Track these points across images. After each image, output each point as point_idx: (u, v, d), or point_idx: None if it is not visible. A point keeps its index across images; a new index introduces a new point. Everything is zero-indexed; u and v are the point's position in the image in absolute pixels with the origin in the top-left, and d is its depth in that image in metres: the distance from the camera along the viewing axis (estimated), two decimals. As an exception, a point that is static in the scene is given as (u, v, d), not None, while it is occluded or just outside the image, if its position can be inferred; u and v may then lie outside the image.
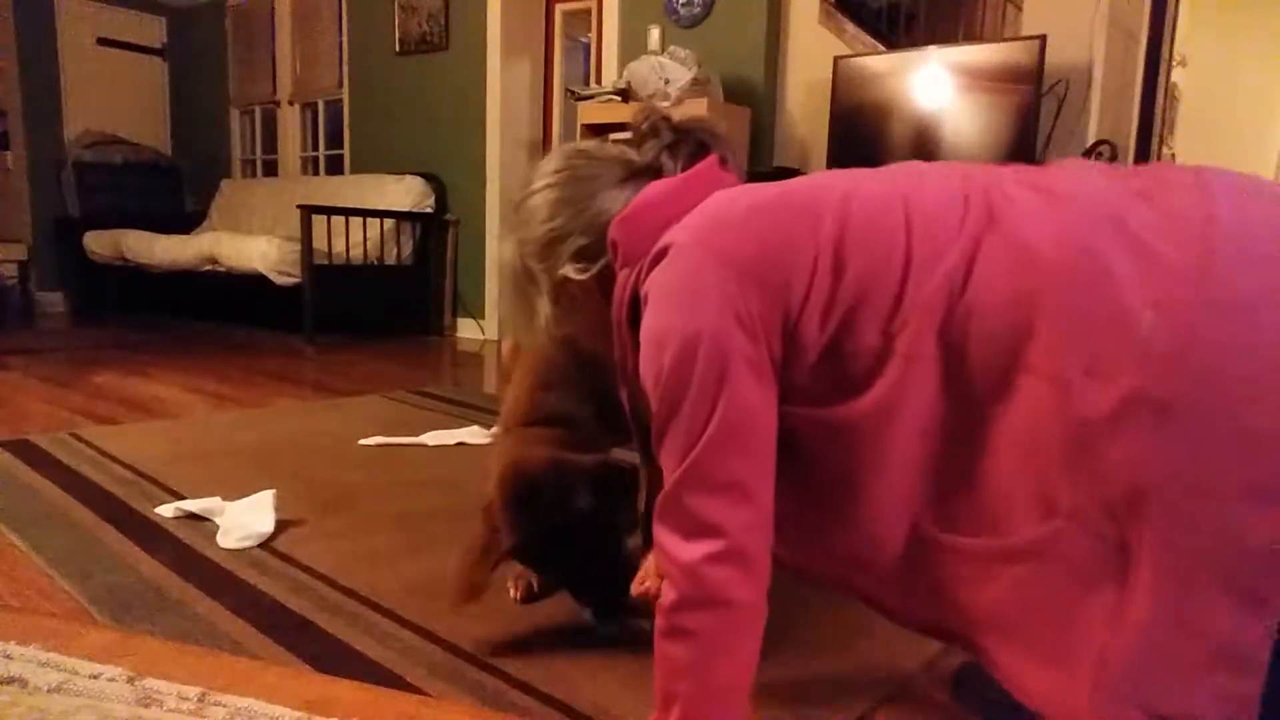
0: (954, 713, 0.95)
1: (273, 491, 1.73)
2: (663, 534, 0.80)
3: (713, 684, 0.80)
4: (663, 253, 0.83)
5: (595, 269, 0.93)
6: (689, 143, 0.95)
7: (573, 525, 1.18)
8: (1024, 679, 0.74)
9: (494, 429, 1.44)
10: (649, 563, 1.17)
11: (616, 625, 1.22)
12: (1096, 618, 0.68)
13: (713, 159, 0.93)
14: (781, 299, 0.78)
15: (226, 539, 1.56)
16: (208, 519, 1.66)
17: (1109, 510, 0.67)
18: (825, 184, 0.84)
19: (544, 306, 0.97)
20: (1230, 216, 0.66)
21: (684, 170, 0.93)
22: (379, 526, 1.68)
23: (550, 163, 0.98)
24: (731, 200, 0.85)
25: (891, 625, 1.28)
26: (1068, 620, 0.70)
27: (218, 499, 1.71)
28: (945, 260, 0.74)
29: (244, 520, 1.62)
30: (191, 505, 1.70)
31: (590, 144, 1.01)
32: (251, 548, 1.54)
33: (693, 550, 0.77)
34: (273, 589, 1.37)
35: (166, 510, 1.69)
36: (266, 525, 1.61)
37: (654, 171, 0.94)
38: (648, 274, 0.85)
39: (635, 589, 1.18)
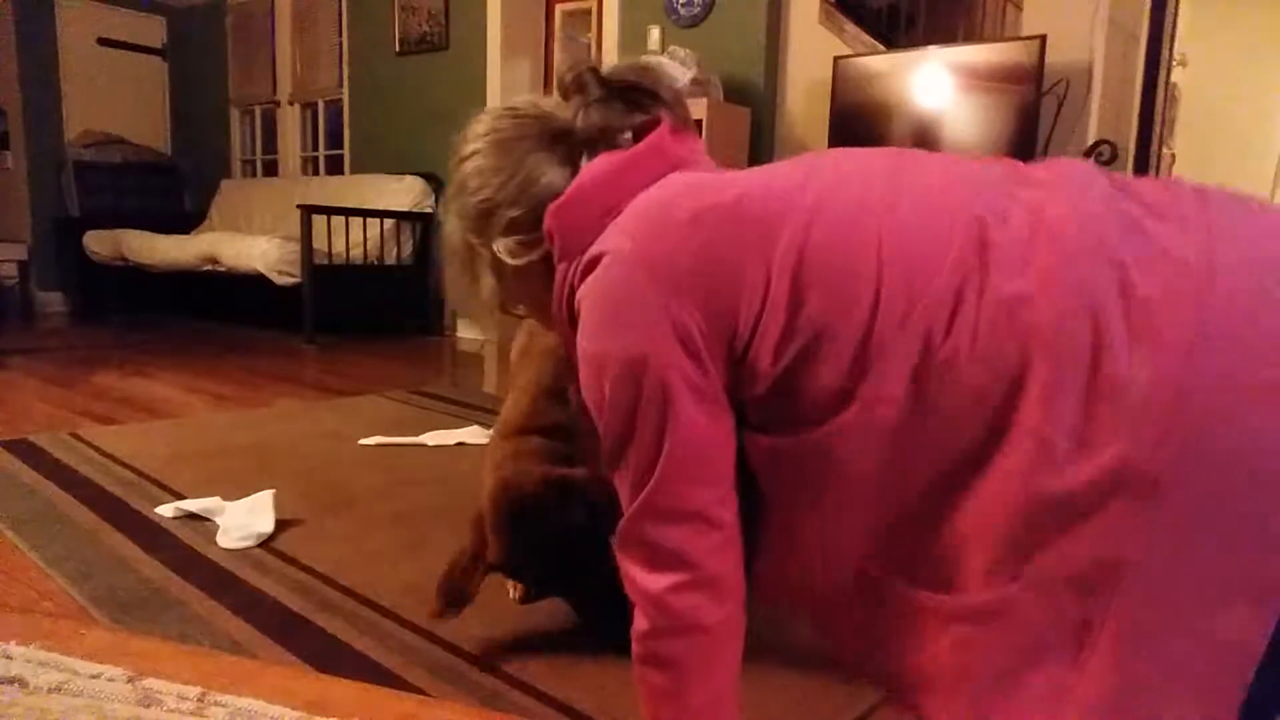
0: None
1: (272, 491, 1.73)
2: (626, 564, 0.77)
3: (694, 706, 0.77)
4: (596, 260, 0.77)
5: (529, 245, 0.85)
6: (623, 100, 0.85)
7: (564, 544, 1.16)
8: None
9: (493, 430, 1.43)
10: None
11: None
12: (1039, 693, 0.64)
13: (663, 129, 0.83)
14: (727, 323, 0.72)
15: (226, 539, 1.56)
16: (208, 519, 1.66)
17: (1078, 582, 0.62)
18: (789, 190, 0.74)
19: (487, 280, 0.91)
20: (1232, 266, 0.61)
21: (629, 131, 0.84)
22: (378, 526, 1.68)
23: (479, 124, 0.90)
24: (676, 200, 0.76)
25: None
26: (1009, 691, 0.65)
27: (218, 499, 1.71)
28: (921, 307, 0.66)
29: (244, 520, 1.62)
30: (191, 505, 1.70)
31: (520, 100, 0.91)
32: (251, 548, 1.54)
33: (658, 581, 0.74)
34: (273, 589, 1.37)
35: (166, 510, 1.70)
36: (266, 525, 1.61)
37: (579, 134, 0.85)
38: (581, 279, 0.78)
39: None
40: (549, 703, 1.06)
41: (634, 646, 0.79)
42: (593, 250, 0.78)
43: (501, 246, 0.86)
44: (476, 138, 0.88)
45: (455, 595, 1.16)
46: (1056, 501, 0.62)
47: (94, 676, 1.03)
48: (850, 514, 0.72)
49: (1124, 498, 0.59)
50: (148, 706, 0.97)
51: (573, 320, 0.81)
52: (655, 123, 0.84)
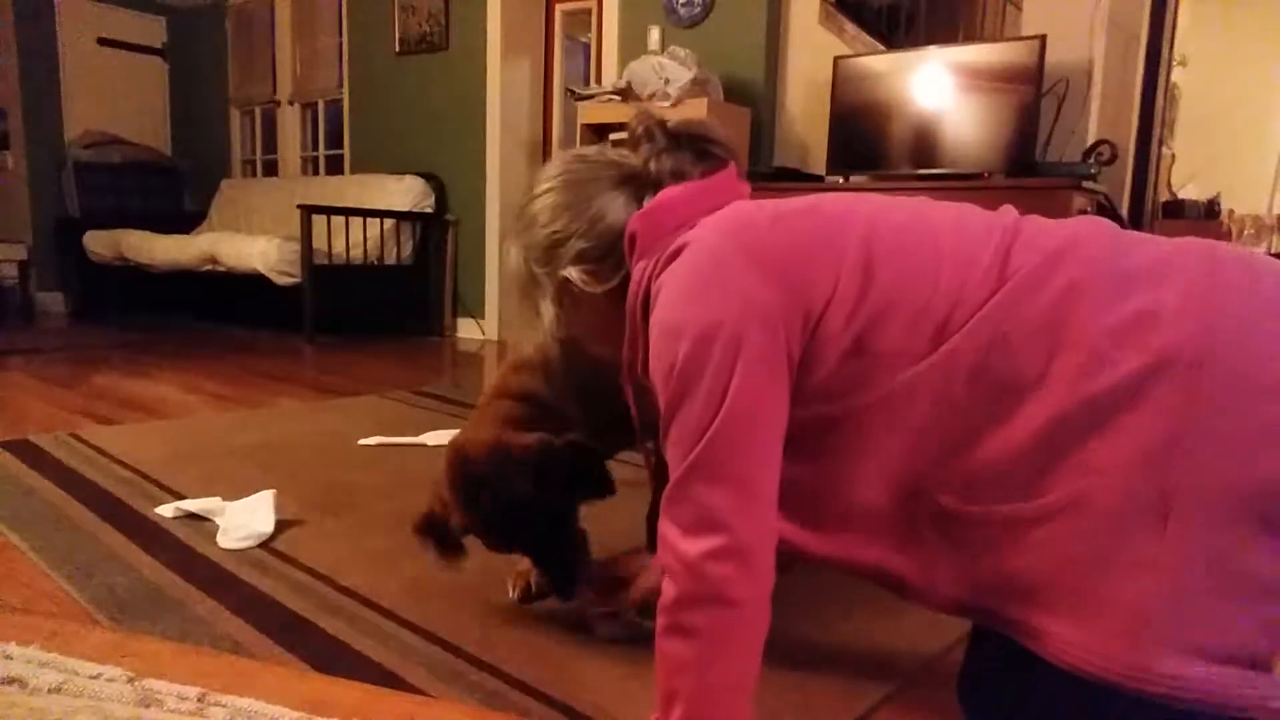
0: (955, 713, 0.95)
1: (273, 492, 1.73)
2: (666, 527, 0.81)
3: (713, 682, 0.79)
4: (680, 249, 0.84)
5: (595, 275, 0.95)
6: (685, 149, 0.95)
7: (507, 509, 1.16)
8: (1060, 637, 0.73)
9: None
10: (649, 561, 1.17)
11: (617, 626, 1.22)
12: (1133, 566, 0.69)
13: (732, 169, 0.96)
14: (804, 299, 0.79)
15: (226, 539, 1.56)
16: (208, 519, 1.66)
17: (1143, 462, 0.69)
18: (850, 203, 0.87)
19: (548, 309, 0.99)
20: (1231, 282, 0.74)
21: (698, 174, 0.95)
22: (379, 526, 1.68)
23: (550, 168, 1.00)
24: (758, 206, 0.87)
25: (891, 626, 1.28)
26: (1103, 572, 0.71)
27: (218, 499, 1.71)
28: (980, 270, 0.78)
29: (244, 520, 1.62)
30: (191, 505, 1.70)
31: (589, 149, 1.03)
32: (251, 548, 1.54)
33: (695, 545, 0.78)
34: (273, 589, 1.37)
35: (166, 510, 1.69)
36: (266, 525, 1.61)
37: (650, 176, 0.96)
38: (663, 269, 0.86)
39: (634, 593, 1.18)
40: (549, 703, 1.06)
41: (659, 619, 0.81)
42: (676, 244, 0.85)
43: (572, 274, 0.95)
44: (549, 178, 0.98)
45: (437, 534, 1.24)
46: (1113, 395, 0.71)
47: (94, 676, 1.03)
48: (919, 455, 0.79)
49: (1174, 373, 0.69)
50: (148, 706, 0.97)
51: (645, 314, 0.88)
52: (720, 167, 0.96)
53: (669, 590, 0.80)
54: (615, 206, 0.94)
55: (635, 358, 0.93)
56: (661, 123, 0.96)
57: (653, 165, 0.95)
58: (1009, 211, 0.85)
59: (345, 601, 1.34)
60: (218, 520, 1.64)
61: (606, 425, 1.18)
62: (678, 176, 0.94)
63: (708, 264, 0.81)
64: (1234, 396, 0.68)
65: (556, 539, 1.19)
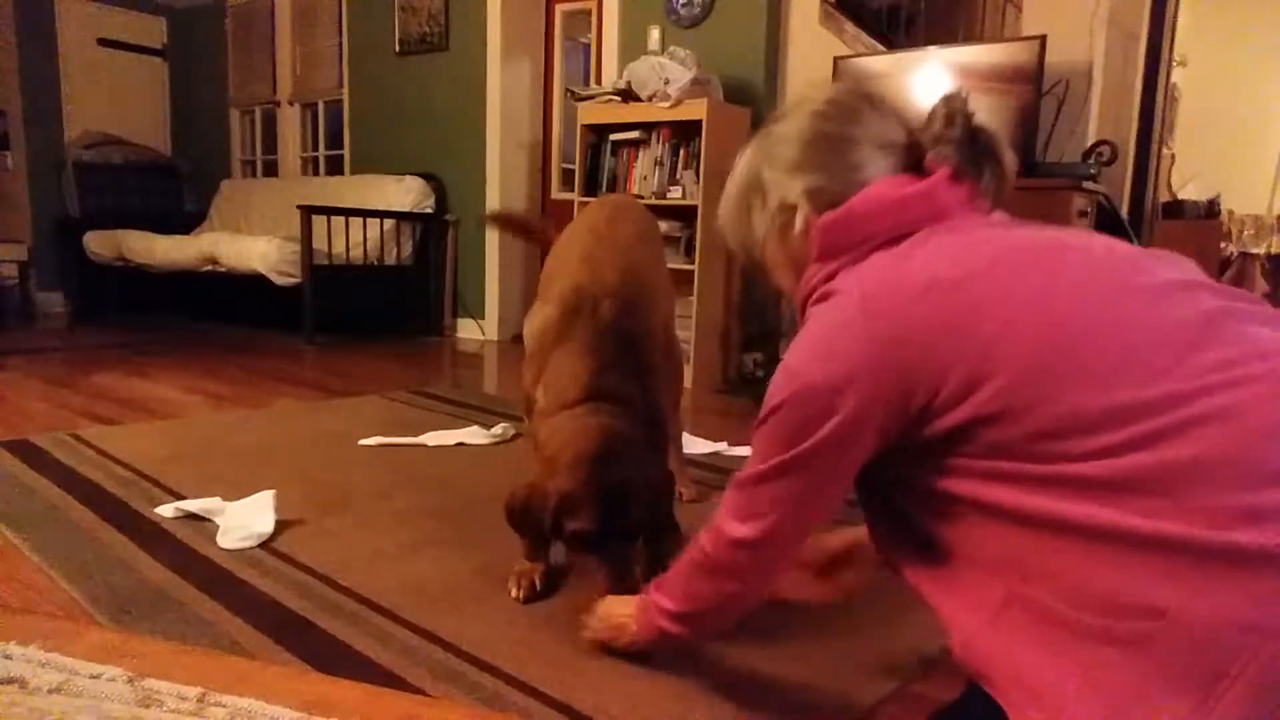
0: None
1: (273, 492, 1.73)
2: (725, 501, 0.93)
3: (697, 597, 0.99)
4: (828, 295, 0.86)
5: (817, 214, 0.91)
6: (969, 148, 0.90)
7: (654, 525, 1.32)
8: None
9: (529, 419, 1.48)
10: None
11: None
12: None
13: (943, 174, 0.88)
14: (914, 388, 0.78)
15: (226, 539, 1.56)
16: (208, 519, 1.66)
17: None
18: (1002, 279, 0.78)
19: (761, 223, 0.98)
20: None
21: (952, 171, 0.89)
22: (379, 526, 1.68)
23: (830, 92, 0.97)
24: (919, 264, 0.82)
25: (891, 627, 1.28)
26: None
27: (218, 499, 1.71)
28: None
29: (244, 520, 1.62)
30: (191, 505, 1.70)
31: (877, 93, 0.98)
32: (251, 548, 1.54)
33: (736, 530, 0.91)
34: (273, 589, 1.37)
35: (166, 510, 1.69)
36: (266, 525, 1.61)
37: (921, 159, 0.91)
38: (813, 297, 0.89)
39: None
40: (549, 703, 1.06)
41: (693, 549, 0.98)
42: (830, 285, 0.87)
43: (801, 202, 0.93)
44: (823, 102, 0.95)
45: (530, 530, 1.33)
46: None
47: (94, 676, 1.03)
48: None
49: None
50: (148, 707, 0.97)
51: (801, 308, 0.93)
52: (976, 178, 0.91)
53: (705, 541, 0.96)
54: (876, 168, 0.91)
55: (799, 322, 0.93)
56: (969, 116, 0.91)
57: (931, 151, 0.91)
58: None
59: (345, 601, 1.34)
60: (217, 520, 1.64)
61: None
62: (934, 164, 0.91)
63: (837, 327, 0.83)
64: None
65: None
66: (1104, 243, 0.81)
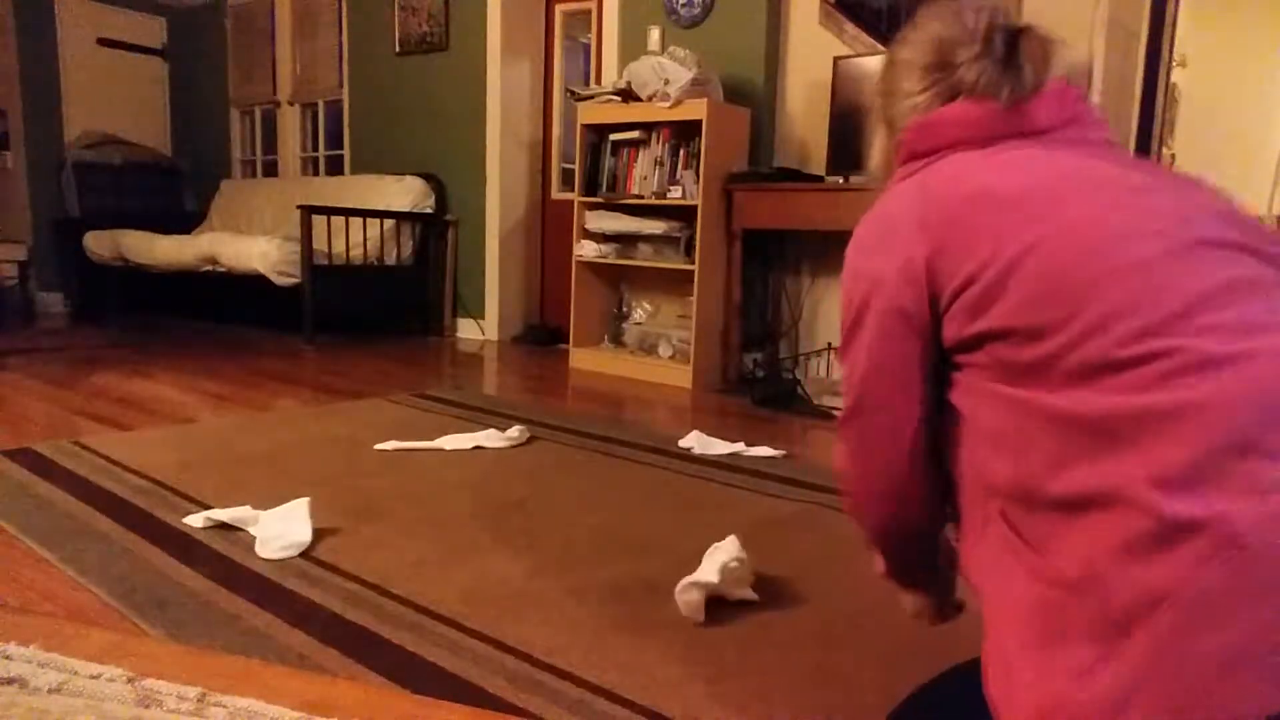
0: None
1: (307, 500, 1.69)
2: (839, 437, 0.96)
3: (882, 545, 0.97)
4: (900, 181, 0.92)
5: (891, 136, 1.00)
6: (1014, 69, 0.95)
7: None
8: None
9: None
10: None
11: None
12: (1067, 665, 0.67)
13: (992, 105, 0.92)
14: (947, 272, 0.82)
15: (266, 549, 1.52)
16: (241, 528, 1.62)
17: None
18: (1058, 196, 0.81)
19: (880, 134, 1.06)
20: None
21: (1004, 98, 0.93)
22: (417, 533, 1.65)
23: (921, 24, 1.02)
24: (962, 175, 0.86)
25: (891, 627, 1.28)
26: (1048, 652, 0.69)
27: (248, 508, 1.67)
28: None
29: (280, 529, 1.58)
30: (222, 515, 1.65)
31: (950, 11, 1.02)
32: (292, 557, 1.51)
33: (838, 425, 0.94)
34: (325, 599, 1.34)
35: (196, 520, 1.65)
36: (304, 534, 1.57)
37: (956, 81, 0.95)
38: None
39: None
40: (637, 709, 1.05)
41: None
42: (894, 185, 0.93)
43: (897, 117, 1.00)
44: (925, 40, 0.99)
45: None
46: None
47: (94, 677, 1.03)
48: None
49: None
50: (147, 707, 0.97)
51: None
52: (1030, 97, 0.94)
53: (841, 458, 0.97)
54: (909, 93, 0.97)
55: None
56: (1012, 34, 0.98)
57: (966, 74, 0.95)
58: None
59: (405, 611, 1.31)
60: (251, 530, 1.60)
61: None
62: (983, 92, 0.94)
63: (892, 197, 0.89)
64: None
65: None
66: (1171, 183, 0.85)
